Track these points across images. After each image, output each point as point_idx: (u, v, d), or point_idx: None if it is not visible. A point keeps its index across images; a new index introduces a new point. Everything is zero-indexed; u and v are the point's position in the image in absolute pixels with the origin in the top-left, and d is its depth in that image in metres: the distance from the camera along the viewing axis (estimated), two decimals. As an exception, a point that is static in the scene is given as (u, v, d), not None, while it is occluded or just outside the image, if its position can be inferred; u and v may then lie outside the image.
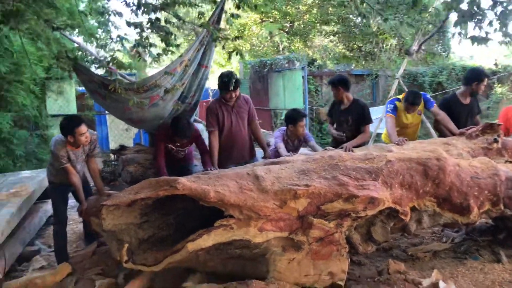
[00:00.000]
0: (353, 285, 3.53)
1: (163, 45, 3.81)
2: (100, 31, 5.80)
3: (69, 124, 3.83)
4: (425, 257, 3.99)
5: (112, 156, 5.55)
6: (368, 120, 4.84)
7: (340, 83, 4.83)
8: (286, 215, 3.30)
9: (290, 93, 9.15)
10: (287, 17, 16.14)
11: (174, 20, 3.90)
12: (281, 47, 17.24)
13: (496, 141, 4.15)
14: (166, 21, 3.82)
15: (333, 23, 15.28)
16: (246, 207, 3.23)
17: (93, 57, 5.31)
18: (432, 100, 4.96)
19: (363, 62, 12.82)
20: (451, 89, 10.78)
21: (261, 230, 3.26)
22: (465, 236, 4.38)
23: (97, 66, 4.74)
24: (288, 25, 17.23)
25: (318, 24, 15.16)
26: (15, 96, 6.79)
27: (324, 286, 3.40)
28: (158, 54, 3.88)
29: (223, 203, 3.23)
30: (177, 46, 4.15)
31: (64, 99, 8.80)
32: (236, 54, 4.00)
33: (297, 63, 9.00)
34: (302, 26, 15.56)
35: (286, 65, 9.46)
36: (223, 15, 4.20)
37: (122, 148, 5.20)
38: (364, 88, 9.66)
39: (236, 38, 3.89)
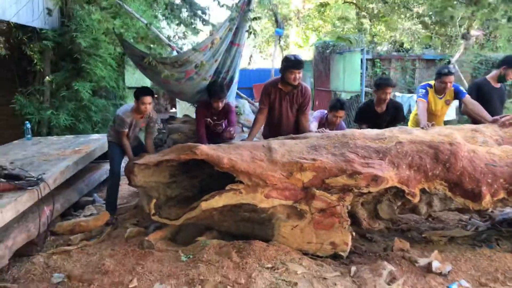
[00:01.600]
0: (355, 257, 3.69)
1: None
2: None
3: (140, 91, 4.48)
4: (440, 241, 3.99)
5: (162, 125, 6.13)
6: (402, 119, 4.99)
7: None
8: (292, 185, 3.57)
9: (349, 76, 9.11)
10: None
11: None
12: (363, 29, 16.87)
13: None
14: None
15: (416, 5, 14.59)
16: (255, 175, 3.56)
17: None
18: (464, 91, 4.85)
19: (441, 47, 12.14)
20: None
21: (267, 196, 3.56)
22: (489, 226, 4.28)
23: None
24: (371, 6, 16.78)
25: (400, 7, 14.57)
26: (94, 68, 7.64)
27: (326, 254, 3.63)
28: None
29: (234, 170, 3.58)
30: (213, 25, 4.51)
31: (140, 73, 9.61)
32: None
33: (356, 45, 8.91)
34: (383, 8, 15.06)
35: (347, 47, 9.41)
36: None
37: (171, 118, 5.73)
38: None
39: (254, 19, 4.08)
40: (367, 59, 10.35)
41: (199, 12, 5.35)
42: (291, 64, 4.19)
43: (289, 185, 3.57)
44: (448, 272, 3.30)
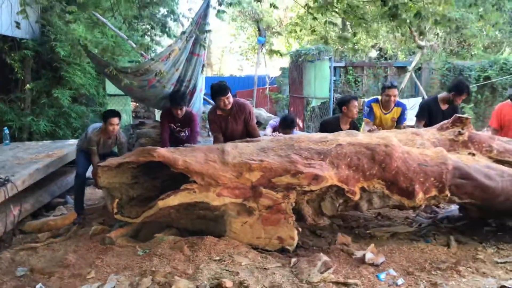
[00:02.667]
0: (301, 251, 3.99)
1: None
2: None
3: (107, 113, 4.86)
4: (383, 236, 4.31)
5: (131, 130, 6.42)
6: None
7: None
8: (241, 185, 3.87)
9: (319, 83, 9.50)
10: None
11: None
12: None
13: (460, 133, 4.31)
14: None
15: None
16: (207, 175, 3.86)
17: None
18: (405, 117, 5.26)
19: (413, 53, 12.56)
20: (499, 84, 10.45)
21: (219, 195, 3.86)
22: (431, 223, 4.61)
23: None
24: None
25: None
26: (73, 76, 7.93)
27: (274, 249, 3.92)
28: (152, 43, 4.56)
29: (188, 170, 3.88)
30: (175, 36, 4.83)
31: (120, 81, 9.89)
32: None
33: (325, 54, 9.31)
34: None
35: (317, 55, 9.82)
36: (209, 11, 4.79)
37: (141, 123, 6.04)
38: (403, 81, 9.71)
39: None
40: (340, 67, 10.78)
41: (160, 25, 5.72)
42: (214, 92, 4.51)
43: (239, 184, 3.87)
44: (381, 263, 3.62)
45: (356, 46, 15.15)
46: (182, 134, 5.20)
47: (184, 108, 4.94)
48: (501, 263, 3.63)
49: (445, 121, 4.61)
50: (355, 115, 5.09)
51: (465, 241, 4.14)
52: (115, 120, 4.78)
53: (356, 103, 5.07)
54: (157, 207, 3.92)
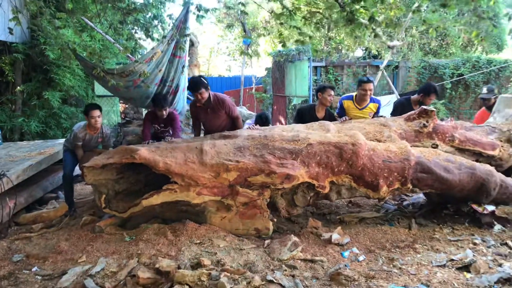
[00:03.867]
0: (276, 235, 4.34)
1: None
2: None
3: (88, 106, 5.10)
4: (352, 221, 4.69)
5: (119, 128, 6.75)
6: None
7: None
8: (219, 184, 4.17)
9: (299, 82, 9.91)
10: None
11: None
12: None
13: (425, 126, 4.67)
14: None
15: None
16: (187, 176, 4.14)
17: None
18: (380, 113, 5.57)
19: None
20: (472, 81, 10.94)
21: (198, 194, 4.18)
22: (397, 208, 5.00)
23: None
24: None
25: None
26: (63, 78, 8.22)
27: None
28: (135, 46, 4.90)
29: (169, 172, 4.16)
30: (158, 39, 5.17)
31: (109, 82, 10.20)
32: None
33: (304, 54, 9.73)
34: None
35: (297, 55, 10.22)
36: (189, 15, 5.14)
37: (128, 122, 6.36)
38: (382, 79, 10.11)
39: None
40: (321, 66, 11.20)
41: (144, 29, 6.06)
42: (189, 87, 4.85)
43: (217, 184, 4.16)
44: (346, 243, 4.00)
45: (326, 48, 15.45)
46: (166, 134, 5.47)
47: (167, 109, 5.25)
48: (453, 241, 4.03)
49: (412, 112, 4.94)
50: (328, 102, 5.36)
51: (425, 224, 4.54)
52: (96, 112, 4.97)
53: (332, 92, 5.33)
54: (142, 205, 4.23)
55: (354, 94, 5.54)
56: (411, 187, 4.28)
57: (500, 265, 3.49)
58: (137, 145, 4.57)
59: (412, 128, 4.81)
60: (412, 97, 5.74)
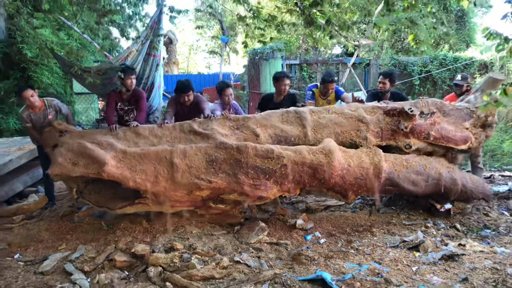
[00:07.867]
0: (247, 223, 4.62)
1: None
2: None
3: (18, 89, 5.03)
4: (318, 209, 5.03)
5: (97, 124, 6.94)
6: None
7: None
8: (192, 199, 4.27)
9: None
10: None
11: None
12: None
13: (403, 130, 4.82)
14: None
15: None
16: (158, 194, 4.18)
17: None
18: (342, 90, 5.87)
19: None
20: (439, 77, 11.46)
21: (172, 206, 4.29)
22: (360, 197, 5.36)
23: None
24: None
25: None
26: (41, 76, 8.35)
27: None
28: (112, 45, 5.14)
29: (140, 190, 4.17)
30: (133, 39, 5.41)
31: (86, 80, 10.33)
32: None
33: (278, 52, 10.07)
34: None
35: (271, 54, 10.56)
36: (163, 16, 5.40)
37: (105, 117, 6.55)
38: (352, 76, 10.53)
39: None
40: (295, 64, 11.55)
41: (119, 29, 6.29)
42: (177, 89, 5.03)
43: (190, 199, 4.26)
44: (309, 228, 4.33)
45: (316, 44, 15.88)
46: (131, 115, 5.31)
47: (134, 79, 5.13)
48: (408, 225, 4.41)
49: (395, 106, 4.84)
50: (283, 91, 5.58)
51: (384, 211, 4.90)
52: (27, 93, 4.83)
53: (287, 81, 5.54)
54: (116, 213, 4.41)
55: (318, 84, 5.88)
56: (378, 195, 4.57)
57: (446, 244, 3.87)
58: (100, 135, 4.57)
59: (389, 126, 4.75)
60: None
